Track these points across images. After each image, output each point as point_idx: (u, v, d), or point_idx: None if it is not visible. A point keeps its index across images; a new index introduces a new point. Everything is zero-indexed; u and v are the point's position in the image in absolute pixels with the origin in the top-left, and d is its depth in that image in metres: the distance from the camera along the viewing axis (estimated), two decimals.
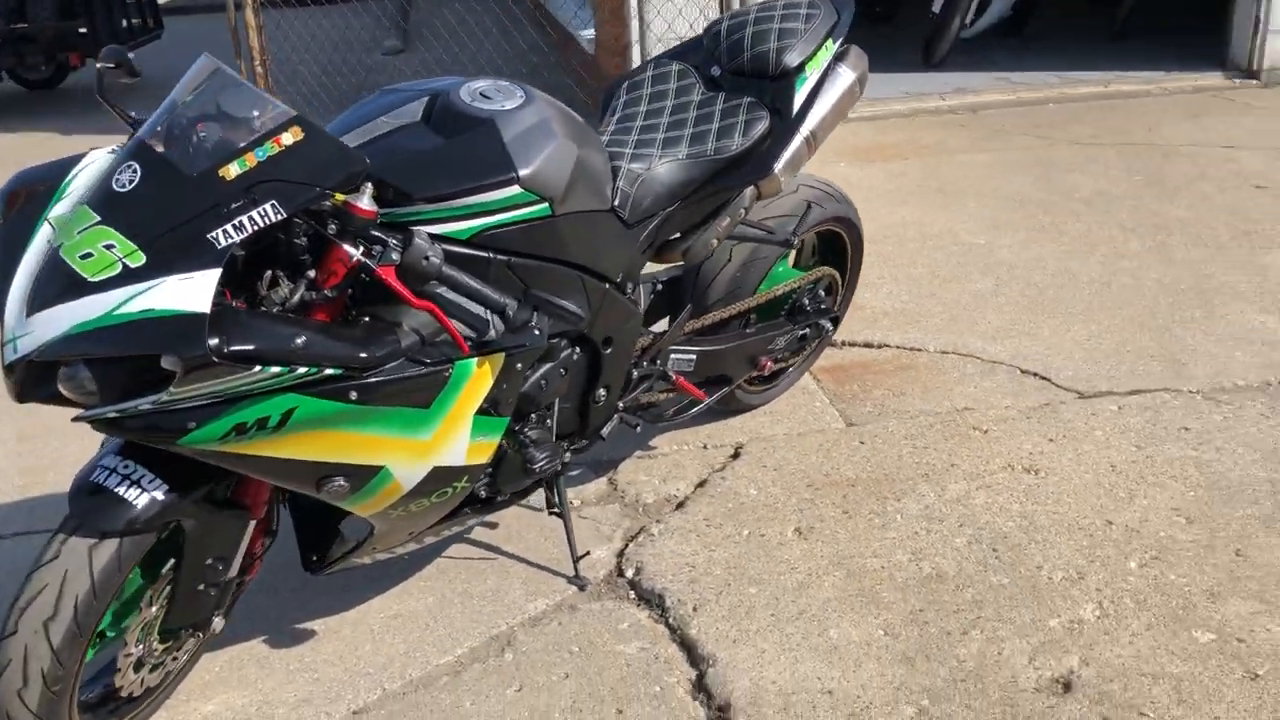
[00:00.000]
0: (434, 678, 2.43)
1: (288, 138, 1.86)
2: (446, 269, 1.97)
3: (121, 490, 1.94)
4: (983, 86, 7.07)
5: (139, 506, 1.94)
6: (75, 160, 2.00)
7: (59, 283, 1.81)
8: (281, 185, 1.82)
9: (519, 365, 2.17)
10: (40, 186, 1.98)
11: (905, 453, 3.11)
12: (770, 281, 3.06)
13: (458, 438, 2.12)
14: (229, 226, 1.80)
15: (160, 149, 1.87)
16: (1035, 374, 3.52)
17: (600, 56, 7.33)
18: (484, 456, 2.23)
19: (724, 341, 2.95)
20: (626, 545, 2.81)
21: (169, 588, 2.13)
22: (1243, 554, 2.60)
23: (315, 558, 2.37)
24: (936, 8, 7.41)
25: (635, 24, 6.31)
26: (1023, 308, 4.00)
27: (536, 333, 2.08)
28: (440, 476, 2.16)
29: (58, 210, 1.92)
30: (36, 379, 1.85)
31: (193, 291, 1.75)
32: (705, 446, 3.23)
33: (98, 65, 2.18)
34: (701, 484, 3.05)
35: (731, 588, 2.61)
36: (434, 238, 1.99)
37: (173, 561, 2.11)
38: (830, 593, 2.57)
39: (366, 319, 2.03)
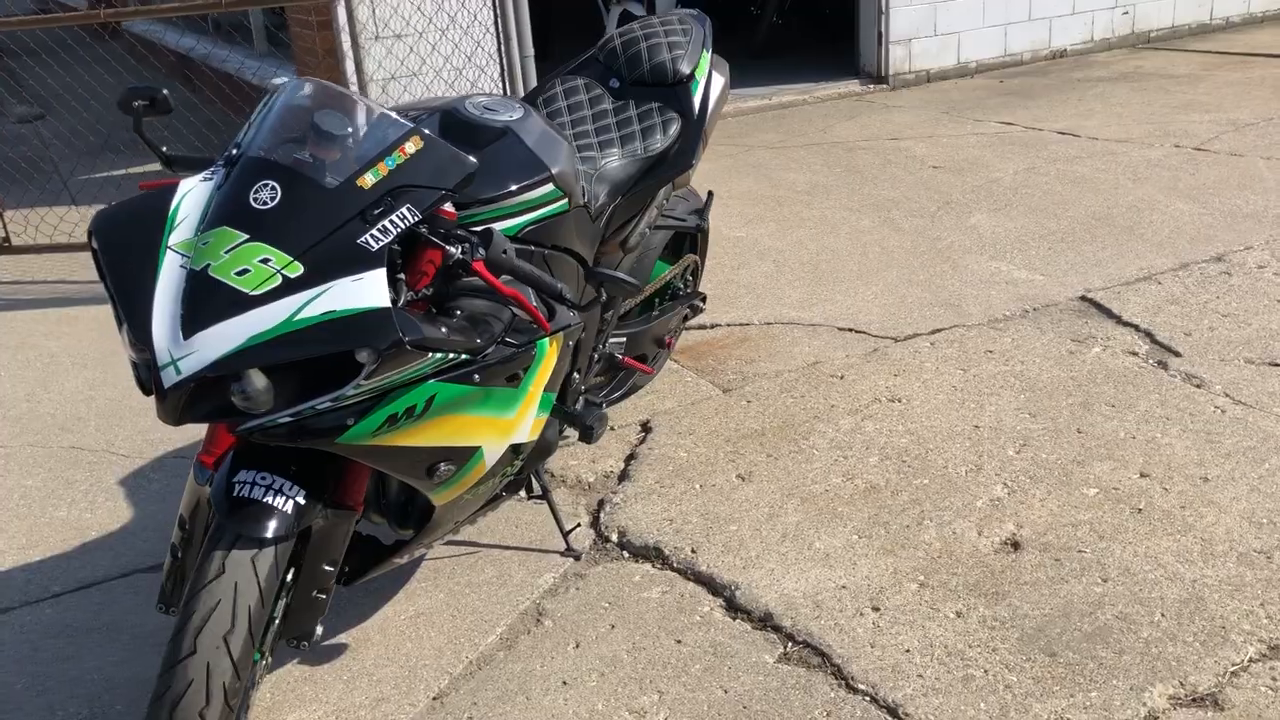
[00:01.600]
0: (490, 656, 2.60)
1: (410, 146, 2.03)
2: (516, 260, 2.21)
3: (269, 500, 2.01)
4: None
5: (289, 513, 2.02)
6: (165, 193, 2.04)
7: (218, 301, 1.88)
8: (413, 190, 2.00)
9: (570, 343, 2.42)
10: (132, 222, 2.01)
11: (788, 403, 3.59)
12: (656, 271, 3.44)
13: (530, 414, 2.35)
14: (375, 231, 1.95)
15: (292, 165, 1.98)
16: (851, 329, 4.12)
17: None
18: (538, 433, 2.45)
19: (642, 324, 3.30)
20: (596, 518, 3.08)
21: (286, 598, 2.19)
22: (1083, 431, 3.29)
23: (346, 569, 2.46)
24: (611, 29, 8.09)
25: (350, 65, 6.43)
26: (810, 281, 4.62)
27: (574, 314, 2.35)
28: (510, 455, 2.37)
29: (179, 238, 1.97)
30: (194, 400, 1.90)
31: (368, 290, 1.89)
32: (614, 428, 3.54)
33: (134, 104, 2.20)
34: (631, 457, 3.37)
35: (714, 529, 2.97)
36: None
37: (291, 571, 2.18)
38: (796, 517, 2.99)
39: (459, 310, 2.21)
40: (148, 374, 1.96)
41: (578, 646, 2.59)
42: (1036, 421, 3.36)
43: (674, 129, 3.02)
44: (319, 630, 2.32)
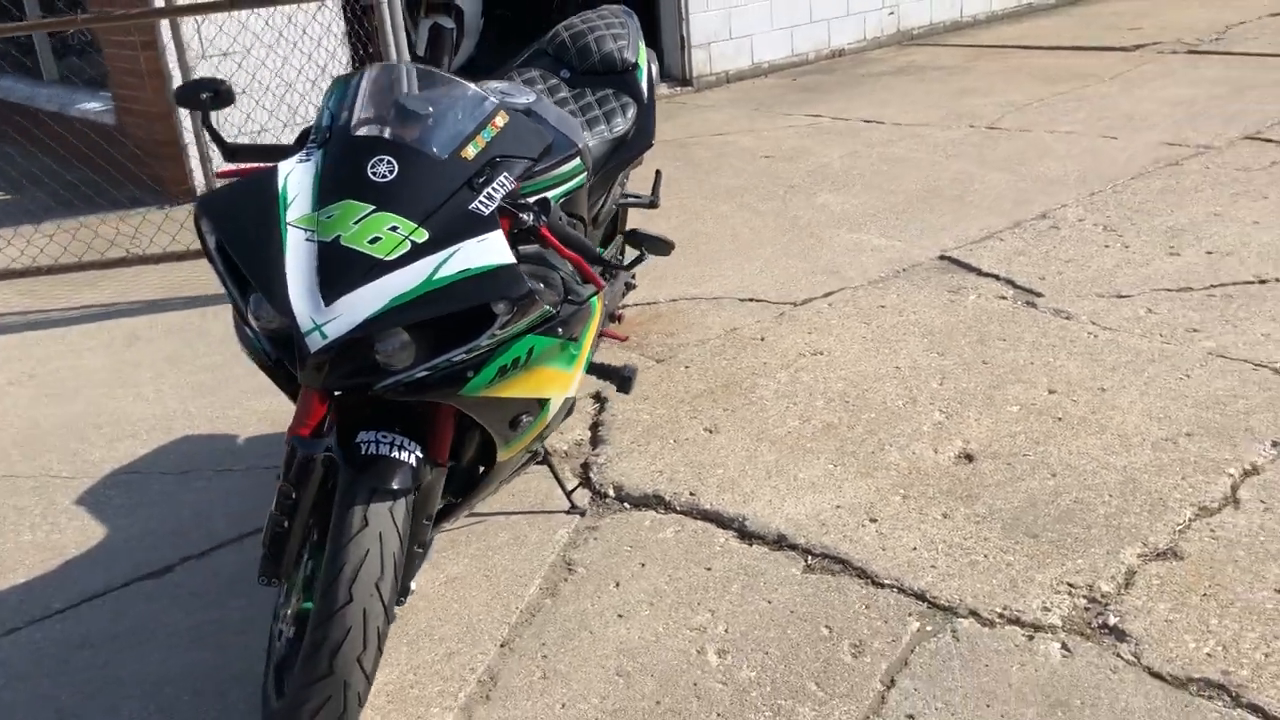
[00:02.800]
0: (537, 604, 2.79)
1: (499, 120, 2.22)
2: (567, 227, 2.43)
3: (396, 454, 2.15)
4: None
5: (414, 465, 2.17)
6: (267, 176, 2.15)
7: (354, 268, 2.02)
8: (506, 160, 2.19)
9: (605, 304, 2.65)
10: (244, 204, 2.11)
11: (723, 365, 3.91)
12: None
13: (581, 370, 2.56)
14: (483, 197, 2.14)
15: (404, 141, 2.13)
16: (752, 299, 4.49)
17: (126, 118, 7.07)
18: (578, 389, 2.67)
19: (602, 297, 3.53)
20: (586, 479, 3.30)
21: None
22: (988, 362, 3.77)
23: None
24: (421, 50, 8.20)
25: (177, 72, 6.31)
26: (695, 262, 4.96)
27: (627, 274, 2.59)
28: (564, 409, 2.58)
29: (296, 214, 2.09)
30: (336, 363, 2.03)
31: (493, 249, 2.08)
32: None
33: (201, 95, 2.28)
34: (596, 425, 3.60)
35: (704, 473, 3.24)
36: None
37: None
38: (773, 456, 3.31)
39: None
40: (273, 346, 2.07)
41: (618, 585, 2.81)
42: (946, 358, 3.81)
43: (631, 112, 3.28)
44: (414, 586, 2.45)
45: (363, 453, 2.15)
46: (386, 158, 2.13)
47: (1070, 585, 2.63)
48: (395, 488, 2.12)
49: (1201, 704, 2.25)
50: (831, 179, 5.99)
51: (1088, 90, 7.41)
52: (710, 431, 3.48)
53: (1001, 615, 2.56)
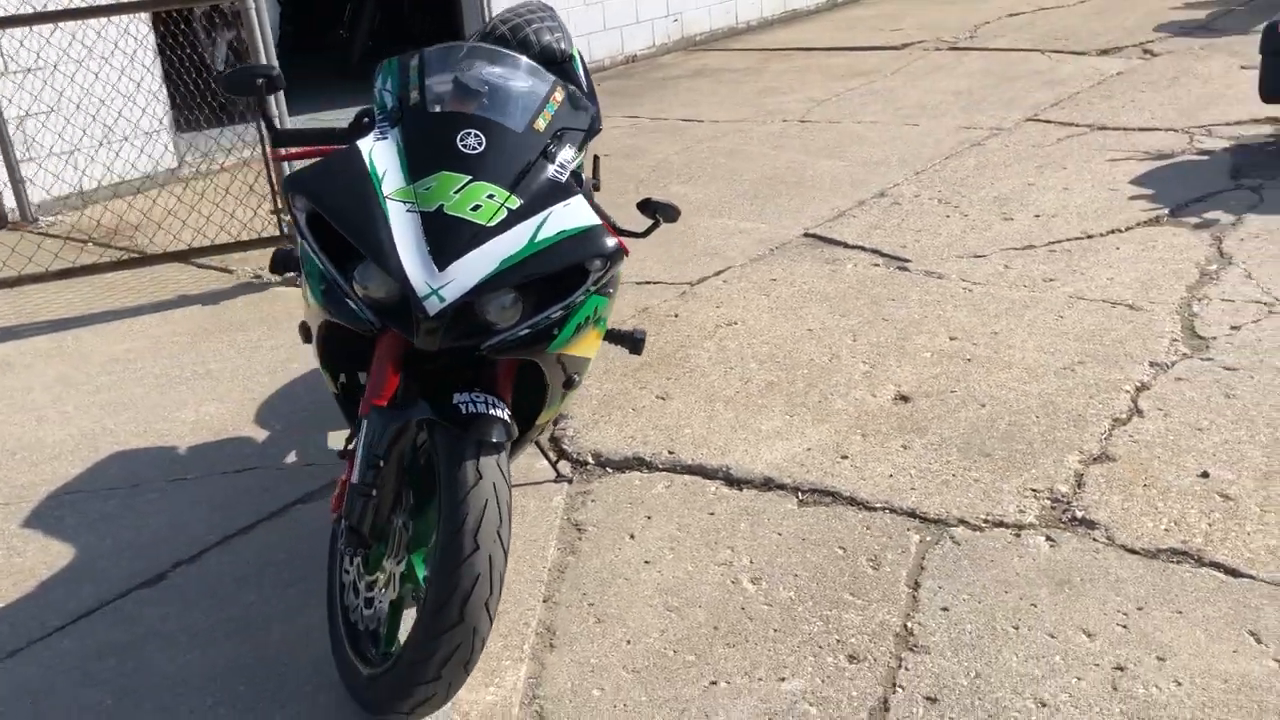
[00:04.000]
0: (562, 562, 2.94)
1: (559, 94, 2.38)
2: (591, 194, 2.62)
3: (494, 412, 2.27)
4: None
5: (507, 420, 2.30)
6: (351, 153, 2.23)
7: (461, 235, 2.14)
8: (569, 131, 2.36)
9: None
10: (338, 180, 2.18)
11: (650, 340, 4.14)
12: None
13: (604, 330, 2.74)
14: (556, 165, 2.30)
15: (485, 115, 2.25)
16: (649, 281, 4.74)
17: None
18: None
19: None
20: (561, 452, 3.46)
21: None
22: (887, 319, 4.16)
23: None
24: (220, 65, 8.03)
25: None
26: None
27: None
28: (586, 369, 2.75)
29: (391, 187, 2.19)
30: (450, 325, 2.15)
31: (580, 212, 2.25)
32: None
33: (256, 81, 2.33)
34: None
35: (675, 433, 3.47)
36: None
37: None
38: (731, 413, 3.57)
39: None
40: (376, 314, 2.16)
41: (633, 537, 3.00)
42: (849, 319, 4.18)
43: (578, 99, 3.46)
44: None
45: (464, 412, 2.26)
46: (474, 131, 2.25)
47: (1034, 490, 3.02)
48: (498, 441, 2.24)
49: (1174, 568, 2.67)
50: (676, 173, 6.32)
51: (876, 85, 8.07)
52: (663, 399, 3.70)
53: (987, 520, 2.91)
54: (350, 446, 2.41)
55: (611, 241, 2.24)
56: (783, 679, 2.45)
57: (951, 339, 3.94)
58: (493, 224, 2.18)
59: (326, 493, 3.29)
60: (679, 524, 3.03)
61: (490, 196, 2.20)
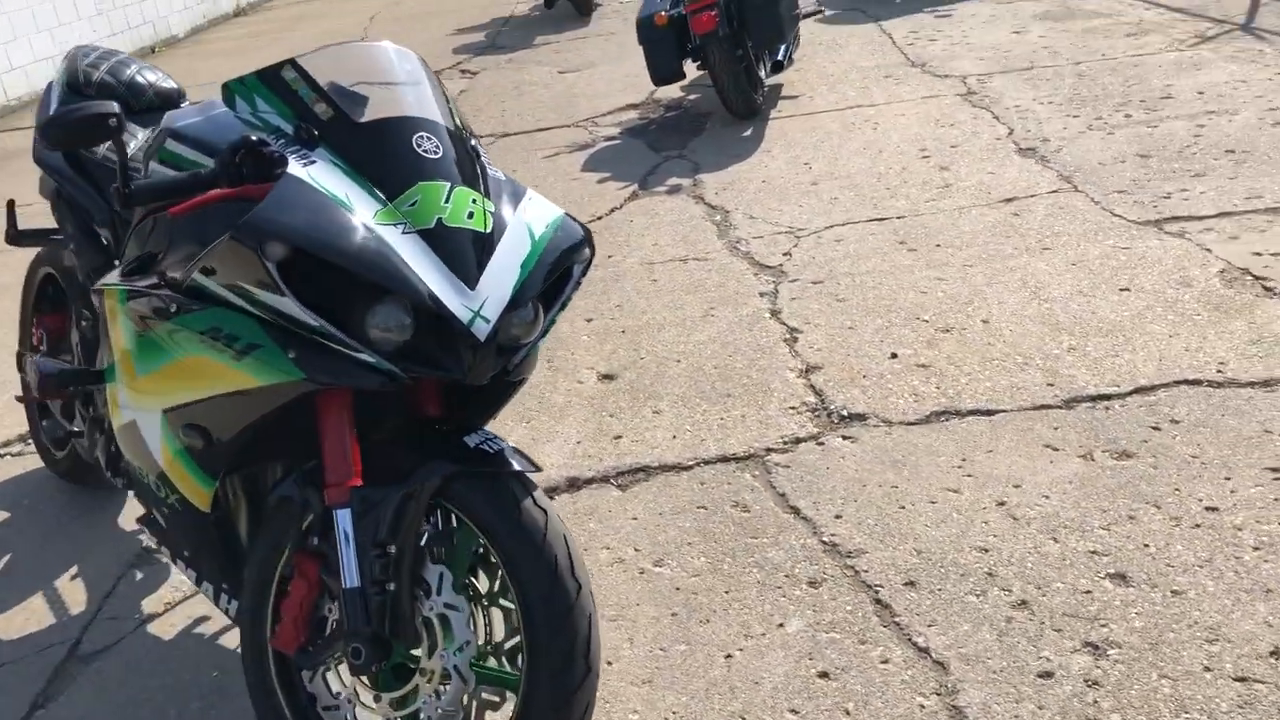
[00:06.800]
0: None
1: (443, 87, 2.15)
2: None
3: (504, 446, 2.02)
4: None
5: (515, 447, 2.07)
6: (294, 184, 1.83)
7: (473, 248, 1.90)
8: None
9: None
10: (299, 224, 1.80)
11: None
12: None
13: None
14: (485, 158, 2.11)
15: (421, 115, 1.97)
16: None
17: None
18: None
19: None
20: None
21: None
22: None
23: None
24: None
25: None
26: None
27: None
28: None
29: (369, 209, 1.89)
30: (485, 351, 1.89)
31: (543, 204, 2.09)
32: None
33: (109, 121, 1.78)
34: None
35: (634, 410, 3.23)
36: None
37: None
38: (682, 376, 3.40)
39: None
40: (397, 361, 1.85)
41: (635, 519, 2.97)
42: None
43: None
44: None
45: (489, 452, 1.98)
46: (424, 133, 1.96)
47: (792, 408, 3.36)
48: (531, 472, 2.01)
49: (950, 424, 3.17)
50: None
51: None
52: (606, 378, 3.40)
53: (786, 441, 3.19)
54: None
55: (579, 225, 2.11)
56: (781, 624, 2.51)
57: (588, 320, 4.12)
58: (489, 231, 1.94)
59: None
60: (675, 504, 2.97)
61: (474, 200, 1.95)
